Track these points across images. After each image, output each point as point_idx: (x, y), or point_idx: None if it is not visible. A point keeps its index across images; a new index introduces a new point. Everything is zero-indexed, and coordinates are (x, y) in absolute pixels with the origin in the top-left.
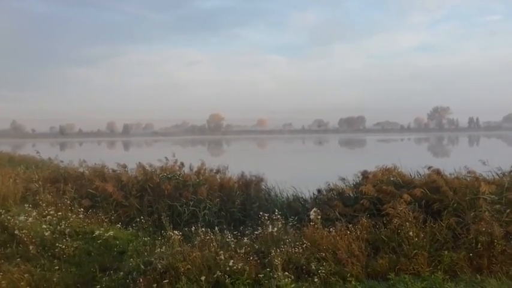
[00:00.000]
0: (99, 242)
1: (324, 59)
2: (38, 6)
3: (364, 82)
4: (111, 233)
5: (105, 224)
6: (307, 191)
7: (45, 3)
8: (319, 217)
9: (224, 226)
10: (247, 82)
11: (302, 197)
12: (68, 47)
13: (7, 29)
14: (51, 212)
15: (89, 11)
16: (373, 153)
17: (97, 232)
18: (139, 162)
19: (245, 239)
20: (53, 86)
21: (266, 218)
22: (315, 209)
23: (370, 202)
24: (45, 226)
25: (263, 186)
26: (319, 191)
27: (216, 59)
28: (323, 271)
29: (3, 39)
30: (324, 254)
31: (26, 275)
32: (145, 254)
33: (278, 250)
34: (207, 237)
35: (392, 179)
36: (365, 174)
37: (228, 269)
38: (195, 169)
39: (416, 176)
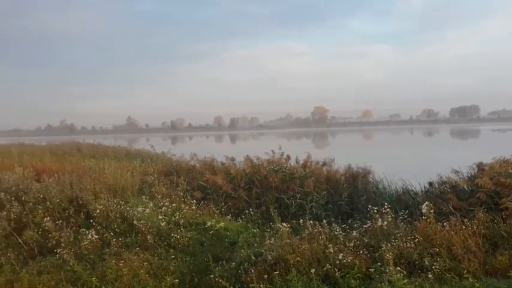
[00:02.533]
0: (211, 232)
1: (432, 46)
2: (146, 5)
3: (476, 69)
4: (222, 224)
5: (216, 215)
6: (417, 183)
7: (153, 3)
8: (432, 211)
9: (332, 219)
10: (352, 73)
11: (412, 190)
12: (175, 44)
13: (117, 29)
14: (166, 204)
15: (194, 8)
16: (489, 144)
17: (209, 223)
18: (247, 155)
19: (354, 233)
20: (164, 82)
21: (375, 211)
22: (427, 202)
23: (487, 196)
24: (160, 217)
25: (370, 179)
26: (430, 183)
27: (320, 50)
28: (437, 267)
29: (115, 39)
30: (437, 250)
31: (145, 263)
32: (255, 245)
33: (389, 244)
34: (315, 230)
35: (511, 171)
36: (481, 167)
37: (337, 262)
38: (301, 162)
39: None
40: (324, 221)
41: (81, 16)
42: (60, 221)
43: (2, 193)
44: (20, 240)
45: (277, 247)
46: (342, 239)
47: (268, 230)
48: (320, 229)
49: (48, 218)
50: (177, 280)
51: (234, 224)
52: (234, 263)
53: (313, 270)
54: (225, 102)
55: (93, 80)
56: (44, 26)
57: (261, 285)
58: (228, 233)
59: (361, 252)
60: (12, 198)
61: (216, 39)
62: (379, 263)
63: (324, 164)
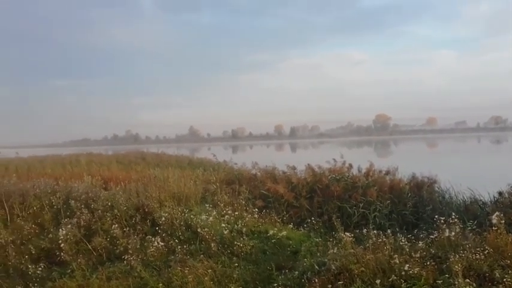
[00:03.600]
0: (273, 241)
1: (500, 51)
2: (206, 17)
3: None
4: (284, 233)
5: (277, 224)
6: (485, 193)
7: (213, 14)
8: (502, 221)
9: (396, 229)
10: (415, 80)
11: (481, 200)
12: (236, 54)
13: (180, 41)
14: (229, 212)
15: (254, 19)
16: None
17: (271, 232)
18: (308, 164)
19: (420, 243)
20: (224, 92)
21: (442, 221)
22: (497, 213)
23: None
24: (223, 225)
25: (436, 188)
26: (500, 193)
27: (381, 57)
28: (508, 279)
29: (177, 51)
30: (508, 262)
31: (209, 271)
32: (318, 254)
33: (457, 256)
34: (379, 240)
35: None
36: None
37: (403, 273)
38: (363, 170)
39: None
40: (388, 231)
41: (145, 29)
42: (127, 228)
43: (73, 201)
44: (89, 246)
45: (341, 257)
46: (407, 250)
47: (331, 239)
48: (384, 239)
49: (116, 225)
50: None
51: (296, 232)
52: (297, 272)
53: (378, 281)
54: (285, 111)
55: (157, 91)
56: (110, 40)
57: None
58: (290, 242)
59: (427, 263)
60: (82, 206)
61: (276, 48)
62: (447, 275)
63: (387, 172)
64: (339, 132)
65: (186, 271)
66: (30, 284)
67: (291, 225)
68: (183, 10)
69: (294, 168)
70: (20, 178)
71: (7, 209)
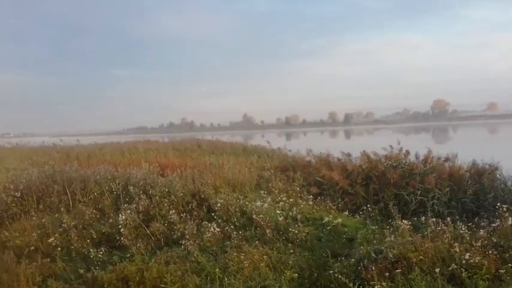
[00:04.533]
0: (328, 228)
1: None
2: (262, 5)
3: None
4: (339, 220)
5: (332, 211)
6: None
7: (268, 2)
8: None
9: (456, 217)
10: (475, 64)
11: None
12: (290, 41)
13: (235, 29)
14: (283, 199)
15: (308, 5)
16: None
17: (326, 219)
18: (364, 151)
19: (481, 232)
20: (278, 79)
21: (504, 209)
22: None
23: None
24: (278, 211)
25: (498, 175)
26: None
27: (439, 42)
28: None
29: (232, 39)
30: None
31: (264, 257)
32: (375, 242)
33: None
34: (438, 228)
35: None
36: None
37: (464, 262)
38: (421, 157)
39: None
40: (448, 219)
41: (202, 18)
42: (184, 214)
43: (131, 187)
44: (148, 231)
45: (398, 245)
46: (468, 238)
47: (388, 227)
48: (444, 227)
49: (173, 211)
50: (296, 274)
51: (351, 220)
52: (353, 260)
53: (437, 270)
54: (339, 98)
55: (212, 79)
56: (168, 30)
57: (383, 283)
58: (346, 229)
59: (489, 252)
60: (140, 192)
61: (330, 35)
62: (509, 264)
63: (446, 159)
64: (395, 118)
65: (242, 257)
66: (92, 268)
67: (346, 213)
68: None
69: (348, 155)
70: (81, 165)
71: (69, 195)
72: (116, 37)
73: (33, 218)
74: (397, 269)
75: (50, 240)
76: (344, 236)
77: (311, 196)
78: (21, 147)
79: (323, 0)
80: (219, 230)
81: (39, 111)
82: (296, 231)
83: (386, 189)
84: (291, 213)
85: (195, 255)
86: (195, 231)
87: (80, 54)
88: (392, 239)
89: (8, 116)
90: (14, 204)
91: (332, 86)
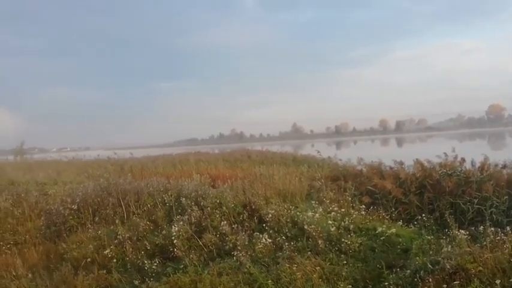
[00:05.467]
0: (382, 238)
1: None
2: (307, 14)
3: None
4: (393, 230)
5: (386, 221)
6: None
7: (314, 11)
8: None
9: None
10: None
11: None
12: (338, 49)
13: (281, 39)
14: (335, 209)
15: (355, 12)
16: None
17: (379, 229)
18: (417, 159)
19: None
20: (327, 88)
21: None
22: None
23: None
24: (330, 222)
25: None
26: None
27: (492, 45)
28: None
29: (278, 49)
30: None
31: (317, 268)
32: (431, 252)
33: None
34: (497, 238)
35: None
36: None
37: None
38: (477, 164)
39: None
40: (507, 228)
41: (247, 29)
42: (236, 225)
43: (183, 198)
44: (200, 242)
45: (456, 255)
46: None
47: (444, 237)
48: (503, 237)
49: (224, 222)
50: (350, 286)
51: (405, 230)
52: (408, 271)
53: (498, 282)
54: (389, 105)
55: (260, 89)
56: (212, 41)
57: None
58: (400, 240)
59: None
60: (192, 203)
61: (379, 41)
62: None
63: (504, 166)
64: (448, 125)
65: (295, 268)
66: (147, 279)
67: (400, 222)
68: (284, 8)
69: (401, 163)
70: (134, 177)
71: (124, 207)
72: (163, 51)
73: (90, 230)
74: (455, 281)
75: (105, 252)
76: (398, 247)
77: (363, 206)
78: (77, 160)
79: (370, 7)
80: (270, 240)
81: (94, 125)
82: (349, 242)
83: (442, 198)
84: (343, 223)
85: (247, 267)
86: (246, 242)
87: (129, 68)
88: (449, 250)
89: (65, 130)
90: (71, 217)
91: (382, 93)
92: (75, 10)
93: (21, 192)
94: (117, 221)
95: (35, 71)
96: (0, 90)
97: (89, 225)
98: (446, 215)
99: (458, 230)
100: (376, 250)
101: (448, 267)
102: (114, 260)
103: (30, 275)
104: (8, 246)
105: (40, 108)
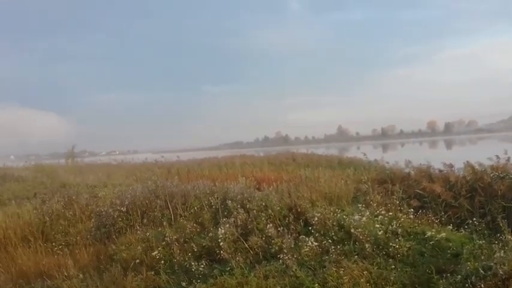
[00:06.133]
0: (431, 243)
1: None
2: (356, 14)
3: None
4: (443, 234)
5: (435, 225)
6: None
7: (362, 11)
8: None
9: None
10: None
11: None
12: (386, 49)
13: (329, 39)
14: (382, 212)
15: (404, 11)
16: None
17: (428, 233)
18: (467, 161)
19: None
20: (374, 88)
21: None
22: None
23: None
24: (377, 225)
25: None
26: None
27: None
28: None
29: (326, 49)
30: None
31: (364, 272)
32: (482, 258)
33: None
34: None
35: None
36: None
37: None
38: None
39: None
40: None
41: (294, 31)
42: (281, 228)
43: (229, 201)
44: (246, 245)
45: (509, 261)
46: None
47: (496, 241)
48: None
49: (270, 225)
50: None
51: (456, 234)
52: (459, 276)
53: None
54: (439, 106)
55: (306, 91)
56: (259, 44)
57: None
58: (450, 244)
59: None
60: (238, 206)
61: (430, 40)
62: None
63: None
64: (500, 126)
65: (341, 272)
66: (194, 281)
67: (449, 227)
68: (332, 9)
69: (451, 166)
70: (181, 180)
71: (171, 209)
72: (212, 55)
73: (138, 232)
74: (508, 287)
75: (153, 254)
76: (448, 252)
77: (411, 209)
78: (126, 163)
79: (420, 6)
80: (316, 244)
81: (142, 128)
82: (397, 246)
83: (494, 202)
84: (390, 227)
85: (294, 270)
86: (292, 246)
87: (178, 72)
88: (502, 255)
89: (114, 134)
90: (120, 219)
91: (432, 94)
92: (123, 14)
93: (72, 194)
94: (164, 223)
95: (85, 76)
96: (53, 95)
97: (138, 227)
98: (498, 219)
99: (511, 235)
100: (426, 255)
101: (501, 272)
102: (162, 262)
103: (81, 276)
104: (60, 247)
105: (90, 112)
